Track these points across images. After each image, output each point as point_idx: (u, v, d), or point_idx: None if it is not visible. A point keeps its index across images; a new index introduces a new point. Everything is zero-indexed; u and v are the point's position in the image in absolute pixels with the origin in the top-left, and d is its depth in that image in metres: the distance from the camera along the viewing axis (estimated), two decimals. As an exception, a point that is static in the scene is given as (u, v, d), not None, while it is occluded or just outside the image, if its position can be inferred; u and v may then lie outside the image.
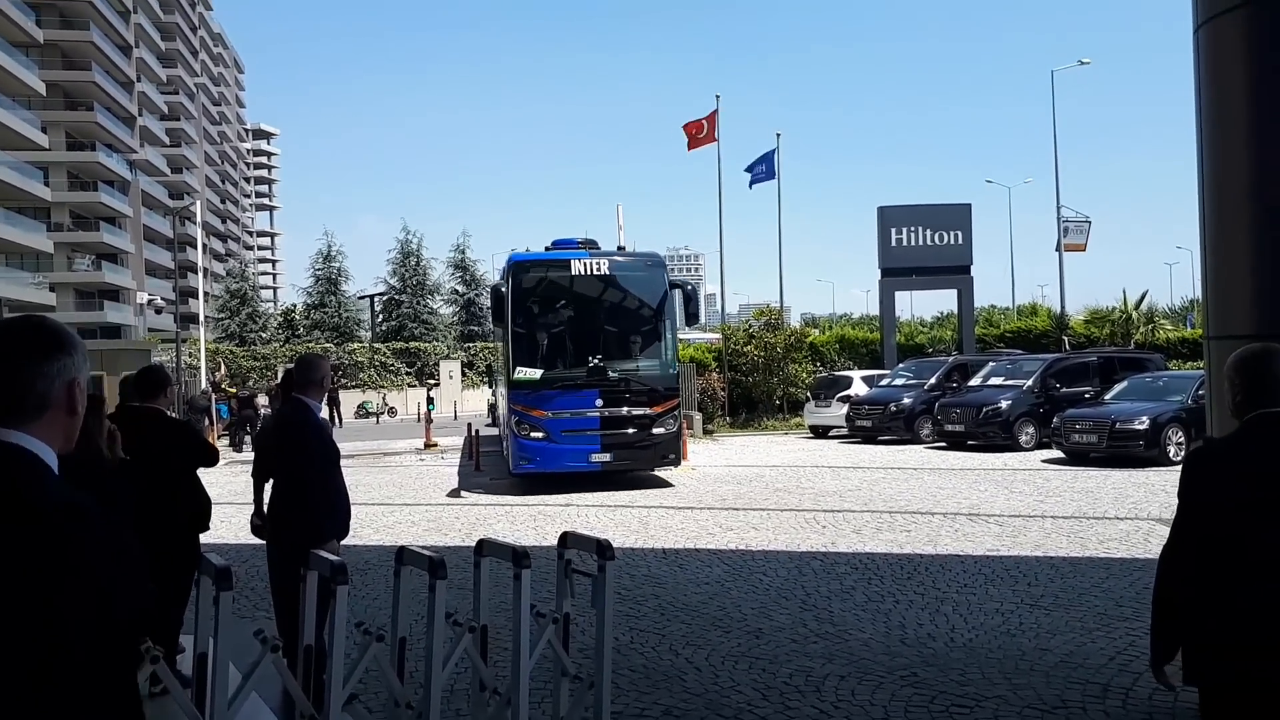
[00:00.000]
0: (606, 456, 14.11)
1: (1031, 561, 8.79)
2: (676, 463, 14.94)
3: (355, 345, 46.28)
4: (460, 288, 55.17)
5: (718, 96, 29.97)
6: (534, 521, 11.83)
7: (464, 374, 43.42)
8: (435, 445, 23.26)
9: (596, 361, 14.31)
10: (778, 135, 31.99)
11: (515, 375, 14.10)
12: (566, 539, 4.07)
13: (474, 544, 4.12)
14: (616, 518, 11.82)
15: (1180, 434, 15.89)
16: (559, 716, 4.07)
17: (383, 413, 40.21)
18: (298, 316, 53.19)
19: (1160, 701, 5.07)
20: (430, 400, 25.99)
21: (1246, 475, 2.91)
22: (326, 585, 3.43)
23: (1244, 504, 2.87)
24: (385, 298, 52.49)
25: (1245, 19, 4.62)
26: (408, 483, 16.47)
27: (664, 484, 14.84)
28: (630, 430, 14.18)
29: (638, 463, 14.63)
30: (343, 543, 5.36)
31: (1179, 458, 15.64)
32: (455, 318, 54.92)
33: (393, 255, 53.30)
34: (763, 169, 32.07)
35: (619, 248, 16.07)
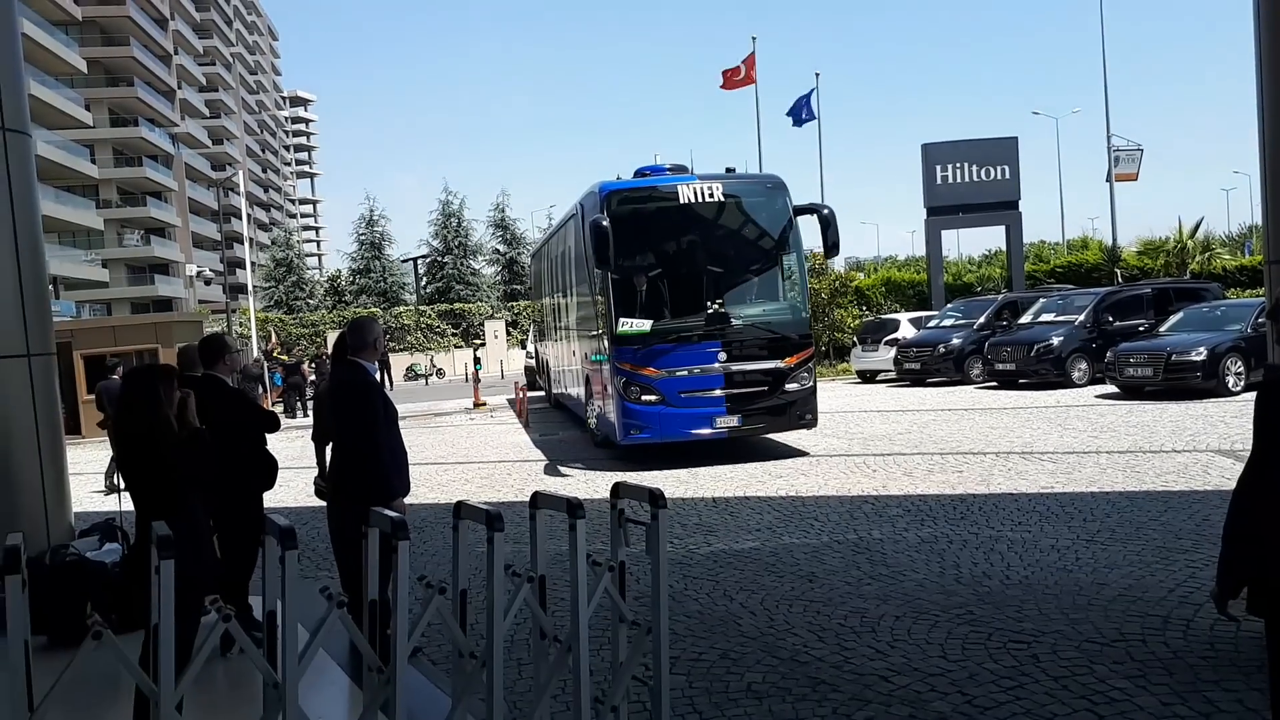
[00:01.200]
0: (734, 420, 11.94)
1: (1087, 497, 8.70)
2: (813, 424, 12.60)
3: (401, 308, 46.78)
4: (501, 247, 55.32)
5: (754, 38, 29.58)
6: (584, 475, 11.96)
7: (508, 333, 43.72)
8: (484, 404, 23.53)
9: (717, 307, 12.00)
10: (816, 75, 31.55)
11: (620, 328, 11.78)
12: (619, 489, 4.11)
13: (528, 498, 4.19)
14: (665, 470, 11.90)
15: (1240, 364, 15.54)
16: (618, 662, 4.15)
17: (431, 374, 40.74)
18: (343, 282, 53.80)
19: (1222, 632, 5.03)
20: (477, 360, 26.25)
21: None
22: (388, 541, 3.51)
23: None
24: (429, 260, 52.82)
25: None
26: (459, 441, 16.72)
27: (798, 453, 12.58)
28: (761, 388, 12.07)
29: (771, 426, 12.44)
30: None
31: (1239, 388, 15.32)
32: (498, 277, 55.15)
33: (434, 217, 53.55)
34: (805, 110, 31.65)
35: (727, 169, 13.17)
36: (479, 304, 48.25)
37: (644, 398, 11.91)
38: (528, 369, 26.77)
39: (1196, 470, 9.61)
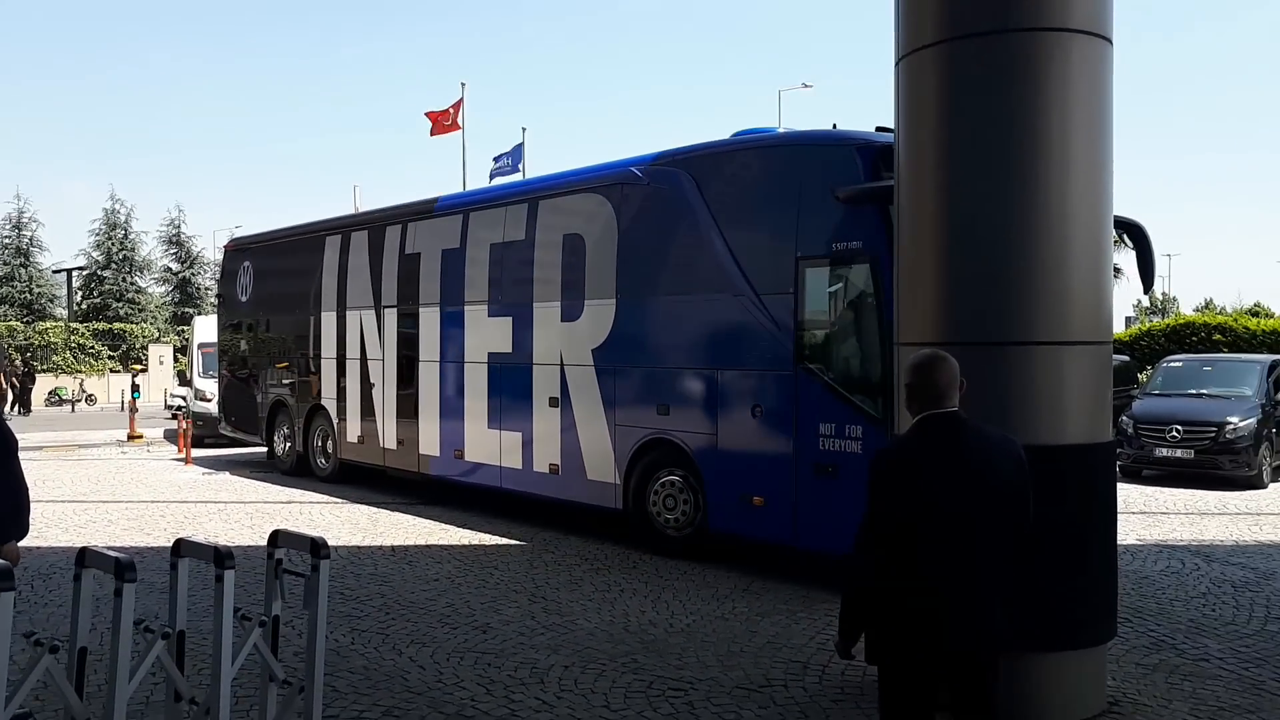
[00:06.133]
0: None
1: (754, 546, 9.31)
2: None
3: (49, 324, 41.47)
4: (174, 265, 51.03)
5: (463, 84, 29.65)
6: (250, 520, 11.11)
7: (176, 359, 40.08)
8: (140, 437, 21.28)
9: None
10: (523, 130, 32.14)
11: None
12: (277, 537, 3.85)
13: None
14: (344, 514, 11.35)
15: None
16: (266, 725, 3.85)
17: (80, 400, 36.39)
18: (-24, 290, 46.96)
19: (852, 676, 5.54)
20: (135, 387, 23.73)
21: (921, 474, 3.24)
22: (-12, 594, 3.03)
23: (915, 501, 3.19)
24: (86, 273, 47.48)
25: (937, 55, 5.13)
26: (106, 477, 14.97)
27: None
28: None
29: None
30: (22, 544, 4.79)
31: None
32: (168, 298, 50.70)
33: (96, 226, 48.37)
34: (508, 161, 32.10)
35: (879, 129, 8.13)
36: (143, 325, 43.91)
37: None
38: (180, 408, 19.20)
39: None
